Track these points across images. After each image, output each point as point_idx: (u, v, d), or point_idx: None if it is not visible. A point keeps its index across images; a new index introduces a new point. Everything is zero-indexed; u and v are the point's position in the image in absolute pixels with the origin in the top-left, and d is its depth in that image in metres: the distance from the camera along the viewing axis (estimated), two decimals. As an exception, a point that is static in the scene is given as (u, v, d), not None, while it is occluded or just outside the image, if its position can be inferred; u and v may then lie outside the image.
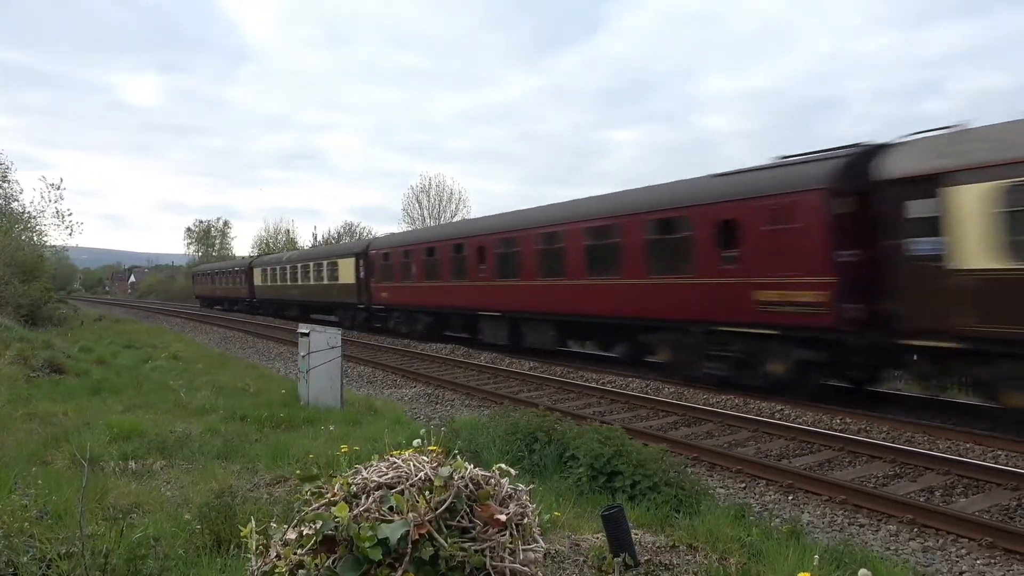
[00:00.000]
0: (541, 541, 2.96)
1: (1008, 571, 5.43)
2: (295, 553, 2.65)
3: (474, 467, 3.02)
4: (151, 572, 3.57)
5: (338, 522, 2.61)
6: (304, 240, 63.73)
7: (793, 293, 11.30)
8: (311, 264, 33.87)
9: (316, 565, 2.58)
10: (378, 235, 39.95)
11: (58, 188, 29.45)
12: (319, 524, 2.63)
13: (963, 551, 5.79)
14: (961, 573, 5.44)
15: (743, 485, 7.74)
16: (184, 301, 72.48)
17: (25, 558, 3.37)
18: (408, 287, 24.83)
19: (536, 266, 17.88)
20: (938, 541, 6.02)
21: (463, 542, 2.70)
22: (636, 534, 4.45)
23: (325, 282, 31.79)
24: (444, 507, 2.70)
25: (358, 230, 58.14)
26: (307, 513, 2.79)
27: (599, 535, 4.29)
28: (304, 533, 2.70)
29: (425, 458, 3.01)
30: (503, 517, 2.81)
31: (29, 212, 29.90)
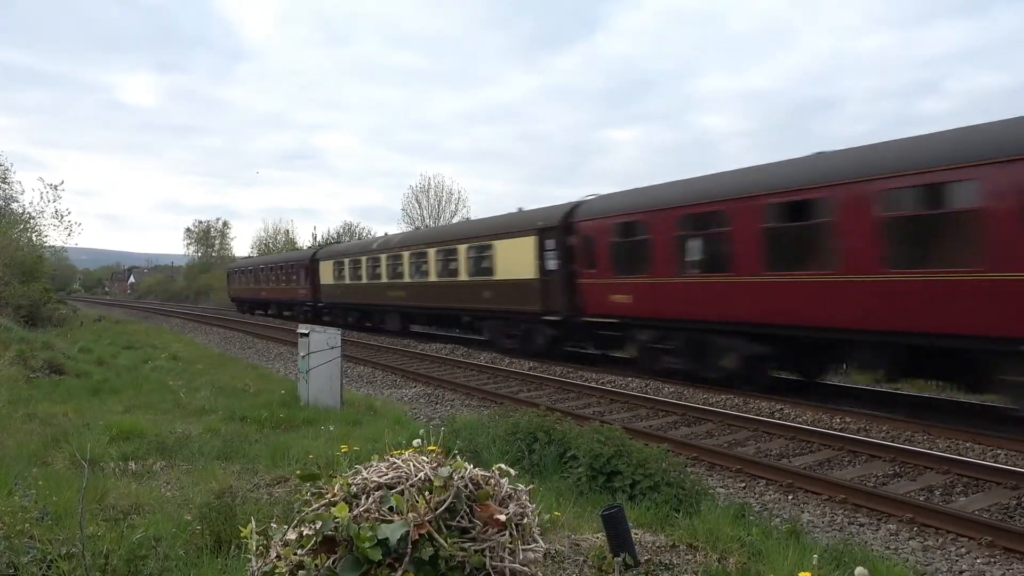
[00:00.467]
0: (541, 541, 2.96)
1: (1008, 570, 5.43)
2: (295, 553, 2.65)
3: (474, 467, 3.03)
4: (151, 573, 3.57)
5: (338, 522, 2.61)
6: (304, 240, 63.46)
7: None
8: (432, 251, 22.50)
9: (316, 565, 2.58)
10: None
11: (57, 188, 29.44)
12: (319, 524, 2.63)
13: (963, 550, 5.80)
14: (961, 572, 5.44)
15: (743, 485, 7.75)
16: (181, 302, 72.42)
17: (26, 559, 3.37)
18: (686, 285, 13.30)
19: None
20: (938, 540, 6.02)
21: (463, 542, 2.70)
22: (636, 534, 4.46)
23: (463, 278, 20.68)
24: (444, 507, 2.70)
25: (358, 230, 58.09)
26: (307, 513, 2.80)
27: (599, 535, 4.29)
28: (304, 533, 2.70)
29: (425, 458, 3.01)
30: (503, 517, 2.81)
31: (29, 212, 29.89)
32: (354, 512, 2.70)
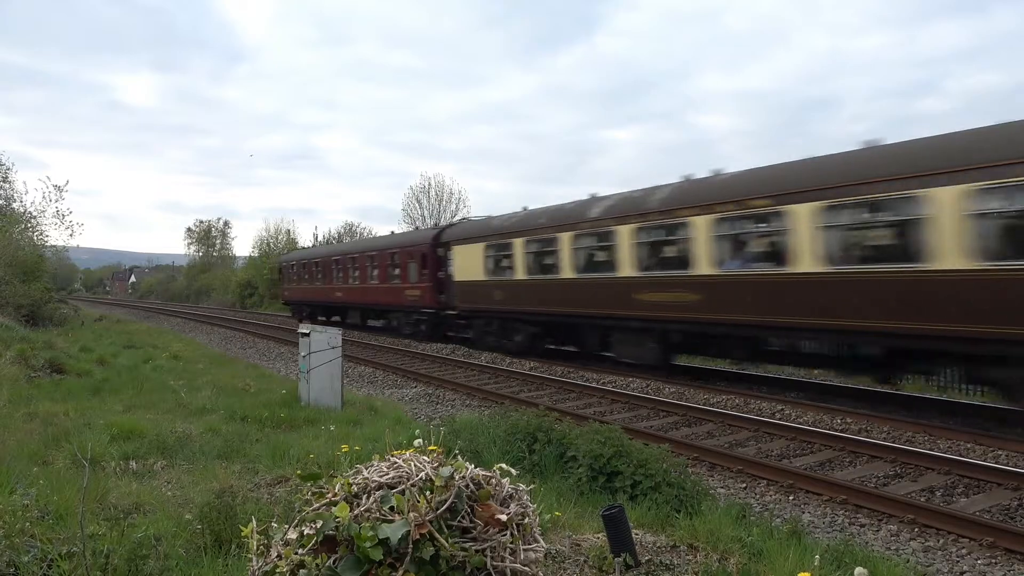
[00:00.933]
0: (542, 541, 2.96)
1: (1009, 571, 5.43)
2: (296, 553, 2.65)
3: (475, 467, 3.02)
4: (152, 572, 3.57)
5: (339, 522, 2.61)
6: (305, 240, 63.42)
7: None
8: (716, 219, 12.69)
9: (317, 565, 2.58)
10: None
11: (61, 189, 29.43)
12: (320, 524, 2.63)
13: (964, 551, 5.79)
14: (962, 573, 5.44)
15: (744, 485, 7.74)
16: (183, 302, 72.39)
17: (26, 558, 3.38)
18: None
19: None
20: (939, 541, 6.01)
21: (464, 542, 2.70)
22: (637, 534, 4.46)
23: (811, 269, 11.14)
24: (445, 507, 2.70)
25: (359, 230, 58.06)
26: (308, 513, 2.79)
27: (600, 535, 4.29)
28: (305, 533, 2.70)
29: (426, 458, 3.01)
30: (504, 517, 2.81)
31: (30, 212, 29.89)
32: (355, 512, 2.70)
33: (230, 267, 77.99)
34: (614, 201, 15.75)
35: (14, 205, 30.46)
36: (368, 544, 2.53)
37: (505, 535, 2.77)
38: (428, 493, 2.75)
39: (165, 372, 14.71)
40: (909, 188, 9.70)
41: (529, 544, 2.87)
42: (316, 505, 2.85)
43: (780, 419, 10.42)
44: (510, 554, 2.75)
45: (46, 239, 31.34)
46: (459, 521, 2.74)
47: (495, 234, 19.62)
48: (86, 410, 9.44)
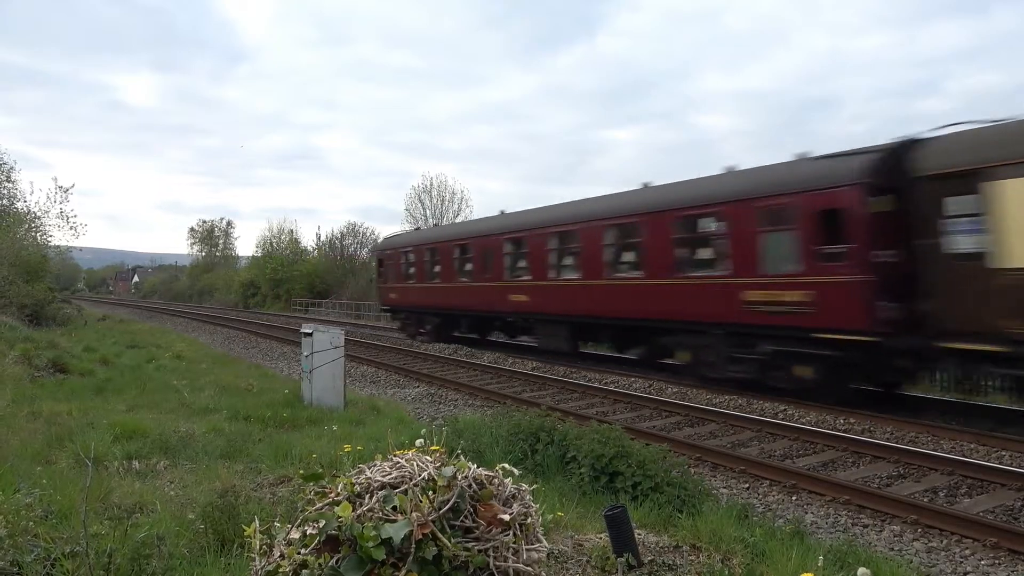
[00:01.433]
0: (544, 541, 2.96)
1: (1013, 571, 5.41)
2: (298, 553, 2.65)
3: (477, 467, 3.02)
4: (155, 572, 3.58)
5: (341, 522, 2.61)
6: (307, 241, 63.44)
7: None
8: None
9: (320, 564, 2.58)
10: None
11: (67, 191, 29.46)
12: (322, 524, 2.63)
13: (967, 551, 5.78)
14: (966, 573, 5.43)
15: (746, 485, 7.73)
16: (186, 302, 72.44)
17: (30, 557, 3.38)
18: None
19: None
20: (942, 541, 6.00)
21: (466, 542, 2.69)
22: (639, 534, 4.45)
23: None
24: (447, 507, 2.70)
25: (361, 230, 58.01)
26: (310, 513, 2.79)
27: (602, 535, 4.29)
28: (307, 533, 2.70)
29: (428, 458, 3.01)
30: (506, 517, 2.80)
31: (34, 212, 29.94)
32: (357, 511, 2.70)
33: (233, 267, 78.10)
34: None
35: (18, 205, 30.53)
36: (371, 544, 2.53)
37: (508, 535, 2.77)
38: (431, 493, 2.75)
39: (168, 372, 14.74)
40: None
41: (532, 544, 2.86)
42: (319, 505, 2.85)
43: (783, 419, 10.40)
44: (513, 554, 2.74)
45: (49, 239, 31.42)
46: (462, 521, 2.74)
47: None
48: (89, 410, 9.45)
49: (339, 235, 58.13)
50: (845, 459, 8.46)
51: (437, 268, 22.86)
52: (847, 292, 10.43)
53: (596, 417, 10.24)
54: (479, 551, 2.67)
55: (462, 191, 54.45)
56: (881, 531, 6.32)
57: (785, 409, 11.06)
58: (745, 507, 5.99)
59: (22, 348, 14.28)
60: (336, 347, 11.00)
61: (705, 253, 13.60)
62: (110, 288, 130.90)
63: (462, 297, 21.27)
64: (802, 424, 9.97)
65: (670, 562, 4.12)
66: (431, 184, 52.63)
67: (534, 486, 3.29)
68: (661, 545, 4.48)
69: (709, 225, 13.36)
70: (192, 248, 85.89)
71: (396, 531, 2.56)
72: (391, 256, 26.09)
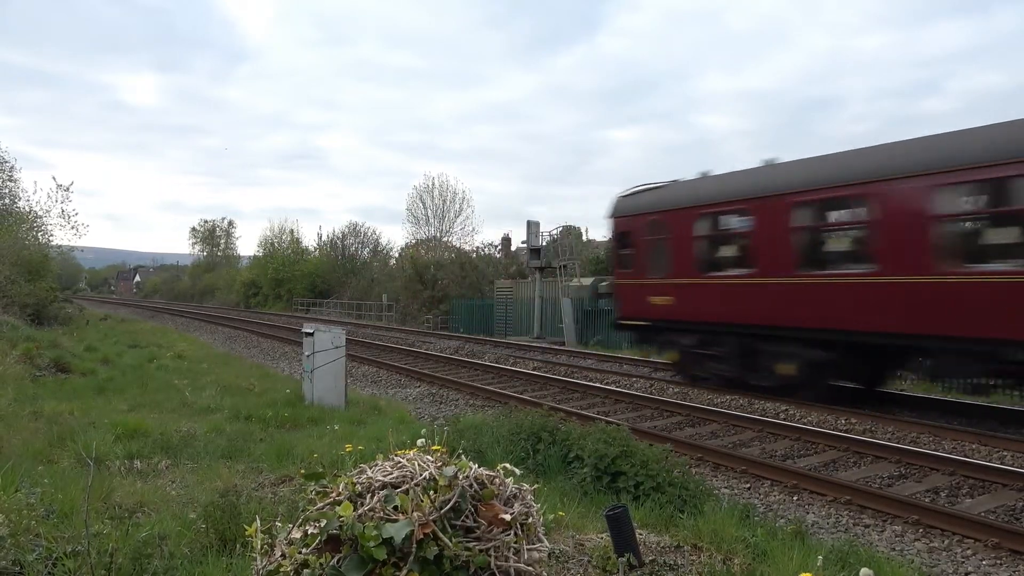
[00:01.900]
0: (545, 541, 2.96)
1: (1014, 572, 5.41)
2: (300, 552, 2.65)
3: (478, 467, 3.02)
4: (156, 571, 3.58)
5: (342, 521, 2.61)
6: (308, 241, 63.37)
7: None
8: None
9: (320, 564, 2.58)
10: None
11: (67, 190, 29.48)
12: (323, 523, 2.63)
13: (969, 552, 5.77)
14: (967, 574, 5.42)
15: (748, 485, 7.73)
16: (187, 301, 72.40)
17: (31, 556, 3.38)
18: None
19: None
20: (944, 542, 6.00)
21: (467, 542, 2.69)
22: (640, 534, 4.45)
23: None
24: (448, 506, 2.70)
25: (362, 230, 58.04)
26: (311, 512, 2.79)
27: (603, 535, 4.29)
28: (309, 532, 2.70)
29: (429, 457, 3.01)
30: (507, 517, 2.80)
31: (35, 212, 29.98)
32: (358, 511, 2.70)
33: (234, 267, 78.14)
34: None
35: (20, 204, 30.56)
36: (372, 543, 2.53)
37: (509, 535, 2.77)
38: (432, 493, 2.75)
39: (169, 371, 14.75)
40: None
41: (533, 544, 2.86)
42: (320, 504, 2.85)
43: (784, 419, 10.40)
44: (514, 554, 2.74)
45: (51, 238, 31.45)
46: (463, 521, 2.74)
47: None
48: (90, 409, 9.46)
49: (340, 235, 58.21)
50: (846, 459, 8.45)
51: (794, 246, 11.57)
52: None
53: (598, 417, 10.24)
54: (480, 551, 2.67)
55: (464, 191, 54.49)
56: (882, 531, 6.32)
57: (786, 409, 11.06)
58: (746, 507, 5.99)
59: (24, 347, 14.29)
60: (337, 347, 11.00)
61: None
62: (112, 288, 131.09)
63: (866, 306, 10.42)
64: (803, 424, 9.96)
65: (671, 562, 4.12)
66: (432, 184, 52.65)
67: (535, 486, 3.29)
68: (662, 545, 4.48)
69: None
70: (193, 248, 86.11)
71: (397, 531, 2.56)
72: (660, 223, 13.94)
